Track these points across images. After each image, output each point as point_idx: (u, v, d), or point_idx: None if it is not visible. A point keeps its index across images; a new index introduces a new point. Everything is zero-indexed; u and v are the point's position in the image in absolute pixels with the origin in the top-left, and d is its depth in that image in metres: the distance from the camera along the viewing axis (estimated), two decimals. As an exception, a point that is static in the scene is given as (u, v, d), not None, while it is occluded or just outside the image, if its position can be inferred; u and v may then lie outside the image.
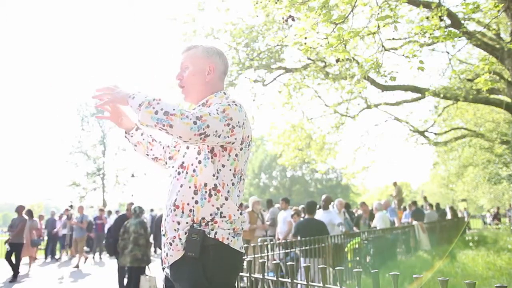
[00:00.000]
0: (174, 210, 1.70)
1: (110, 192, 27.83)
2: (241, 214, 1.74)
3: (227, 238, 1.66)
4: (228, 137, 1.66)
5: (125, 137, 2.12)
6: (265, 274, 2.58)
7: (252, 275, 2.66)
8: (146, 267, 6.36)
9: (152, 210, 17.76)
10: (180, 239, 1.66)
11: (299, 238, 5.63)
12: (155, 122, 1.56)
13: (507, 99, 11.01)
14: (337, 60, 4.41)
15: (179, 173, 1.76)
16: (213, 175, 1.68)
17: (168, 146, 2.10)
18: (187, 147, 1.78)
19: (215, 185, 1.67)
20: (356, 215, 11.22)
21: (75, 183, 26.89)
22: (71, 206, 14.63)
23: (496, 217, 23.18)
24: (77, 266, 11.18)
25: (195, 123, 1.55)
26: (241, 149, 1.74)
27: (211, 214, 1.66)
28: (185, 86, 1.89)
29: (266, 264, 2.65)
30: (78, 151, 27.49)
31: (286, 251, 5.43)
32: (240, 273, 2.81)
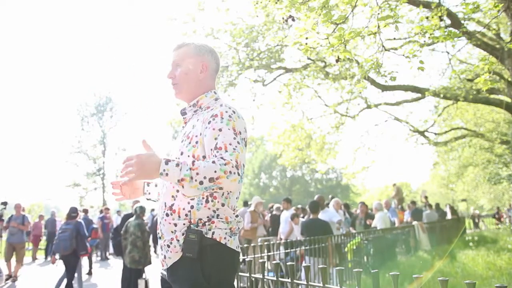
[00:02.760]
0: (171, 214, 1.69)
1: (110, 192, 27.79)
2: (237, 216, 1.74)
3: (224, 238, 1.67)
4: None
5: (147, 199, 2.07)
6: (265, 274, 2.58)
7: (252, 275, 2.66)
8: (145, 269, 6.34)
9: (153, 210, 17.77)
10: (178, 240, 1.65)
11: (299, 238, 5.64)
12: (203, 191, 1.55)
13: (507, 99, 11.01)
14: (337, 60, 4.40)
15: None
16: None
17: None
18: (181, 153, 1.75)
19: (212, 192, 1.67)
20: (354, 215, 11.23)
21: (75, 183, 26.87)
22: (3, 204, 10.45)
23: (496, 217, 23.19)
24: (14, 279, 8.87)
25: (239, 174, 1.54)
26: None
27: (207, 216, 1.66)
28: (177, 84, 1.87)
29: (266, 264, 2.65)
30: (78, 151, 27.46)
31: (286, 251, 5.44)
32: (240, 273, 2.81)
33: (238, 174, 1.52)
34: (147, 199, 2.05)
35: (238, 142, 1.61)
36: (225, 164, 1.50)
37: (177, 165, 1.52)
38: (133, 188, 2.01)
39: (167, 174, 1.52)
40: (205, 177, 1.48)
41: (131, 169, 1.55)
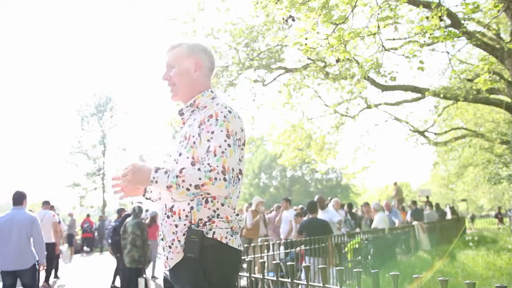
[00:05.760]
0: (172, 215, 1.70)
1: (110, 192, 27.74)
2: (237, 215, 1.74)
3: (225, 237, 1.67)
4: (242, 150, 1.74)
5: (146, 199, 2.05)
6: (265, 274, 2.58)
7: (252, 275, 2.66)
8: (144, 268, 6.34)
9: (147, 211, 17.72)
10: (179, 241, 1.66)
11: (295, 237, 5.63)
12: (192, 197, 1.62)
13: (507, 99, 11.00)
14: (337, 60, 4.40)
15: None
16: None
17: None
18: (180, 154, 1.76)
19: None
20: (360, 215, 11.23)
21: (75, 183, 26.82)
22: None
23: (497, 217, 23.17)
24: None
25: (225, 179, 1.56)
26: (241, 149, 1.74)
27: (208, 216, 1.67)
28: (173, 85, 1.87)
29: (266, 264, 2.65)
30: (78, 151, 27.40)
31: (286, 251, 5.43)
32: (240, 273, 2.81)
33: (225, 180, 1.55)
34: (147, 198, 2.05)
35: (228, 145, 1.62)
36: (210, 171, 1.55)
37: (166, 172, 1.60)
38: (135, 187, 2.01)
39: (156, 182, 1.61)
40: (190, 185, 1.55)
41: (127, 177, 1.66)
